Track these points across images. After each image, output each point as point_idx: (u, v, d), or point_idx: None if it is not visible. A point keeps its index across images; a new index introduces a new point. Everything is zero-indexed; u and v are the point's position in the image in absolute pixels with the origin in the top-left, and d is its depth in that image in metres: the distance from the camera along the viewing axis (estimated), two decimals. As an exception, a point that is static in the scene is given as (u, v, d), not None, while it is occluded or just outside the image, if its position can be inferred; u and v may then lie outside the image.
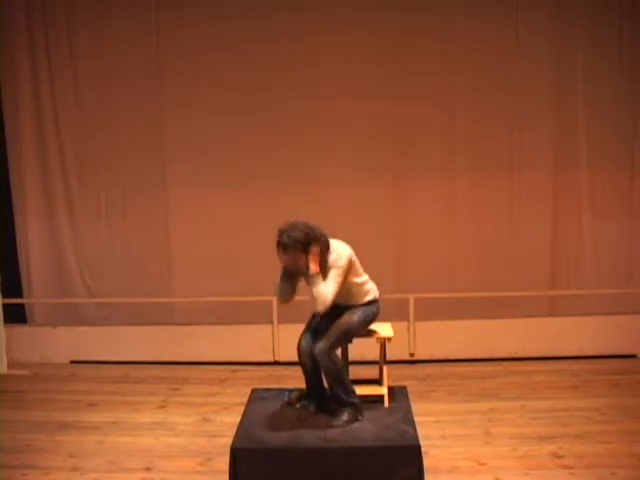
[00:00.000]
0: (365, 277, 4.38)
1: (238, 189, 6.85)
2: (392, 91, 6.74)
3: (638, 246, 6.78)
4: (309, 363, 4.34)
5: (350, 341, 4.43)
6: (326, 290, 4.09)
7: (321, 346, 4.18)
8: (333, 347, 4.21)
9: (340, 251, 4.18)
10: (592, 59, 6.61)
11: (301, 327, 4.45)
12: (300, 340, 4.37)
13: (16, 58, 6.82)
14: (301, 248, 4.08)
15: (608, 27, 6.57)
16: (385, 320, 4.61)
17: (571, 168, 6.75)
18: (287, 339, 6.22)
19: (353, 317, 4.31)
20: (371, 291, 4.38)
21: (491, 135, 6.74)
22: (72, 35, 6.80)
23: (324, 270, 4.15)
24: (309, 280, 4.15)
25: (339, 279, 4.13)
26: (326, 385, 4.38)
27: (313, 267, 4.10)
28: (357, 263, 4.29)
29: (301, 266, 4.13)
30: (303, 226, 4.12)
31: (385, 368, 4.56)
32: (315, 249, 4.10)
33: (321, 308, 4.12)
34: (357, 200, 6.75)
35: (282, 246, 4.09)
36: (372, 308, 4.38)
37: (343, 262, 4.15)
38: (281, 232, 4.11)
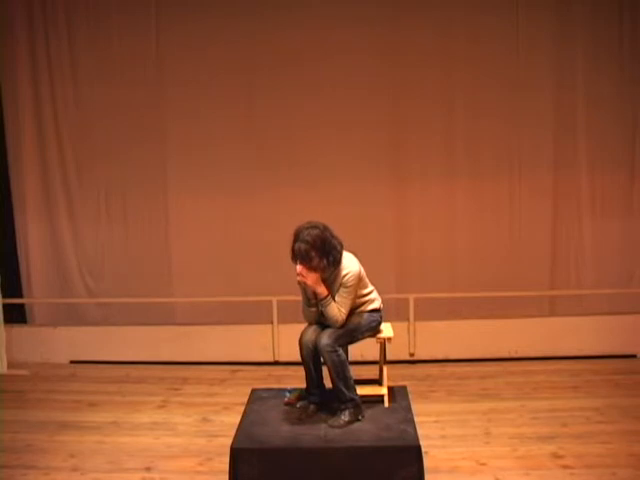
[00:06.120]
0: (371, 288, 4.46)
1: (238, 189, 6.85)
2: (392, 89, 6.75)
3: (638, 246, 6.77)
4: (310, 357, 4.36)
5: (352, 343, 4.43)
6: (338, 312, 4.23)
7: (326, 338, 4.21)
8: (337, 341, 4.24)
9: (351, 269, 4.26)
10: (592, 58, 6.60)
11: (301, 327, 4.45)
12: (302, 334, 4.39)
13: (16, 58, 6.81)
14: (312, 257, 4.16)
15: (608, 26, 6.57)
16: (385, 320, 4.61)
17: (571, 168, 6.75)
18: (287, 339, 6.25)
19: (359, 319, 4.38)
20: (375, 300, 4.46)
21: (491, 135, 6.74)
22: (72, 35, 6.80)
23: (334, 287, 4.26)
24: (320, 302, 4.27)
25: (350, 297, 4.27)
26: (326, 381, 4.39)
27: (321, 291, 4.23)
28: (364, 276, 4.38)
29: (311, 283, 4.22)
30: (316, 237, 4.16)
31: (385, 368, 4.57)
32: (316, 263, 4.17)
33: (335, 326, 4.26)
34: (357, 200, 6.74)
35: (294, 255, 4.21)
36: (375, 316, 4.45)
37: (354, 281, 4.26)
38: (296, 237, 4.20)
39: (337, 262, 4.24)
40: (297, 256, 4.18)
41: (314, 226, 4.22)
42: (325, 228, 4.24)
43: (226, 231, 6.89)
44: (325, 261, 4.18)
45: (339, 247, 4.26)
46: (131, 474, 4.47)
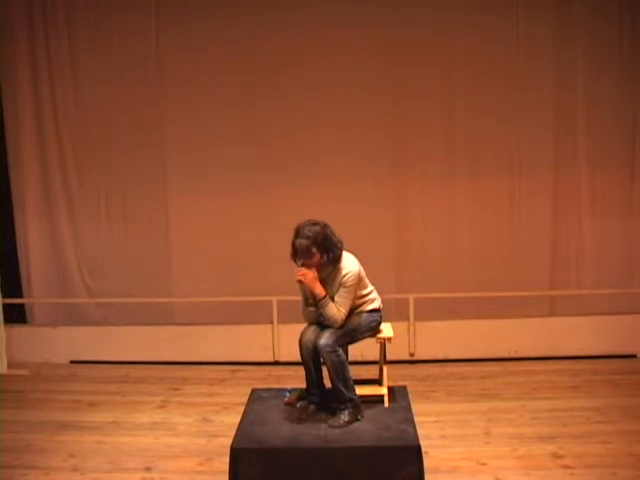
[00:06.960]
0: (370, 288, 4.46)
1: (238, 189, 6.85)
2: (392, 89, 6.75)
3: (638, 246, 6.77)
4: (310, 357, 4.36)
5: (351, 343, 4.43)
6: (337, 312, 4.23)
7: (326, 339, 4.21)
8: (337, 341, 4.24)
9: (351, 269, 4.26)
10: (592, 58, 6.61)
11: (301, 327, 4.46)
12: (302, 334, 4.40)
13: (16, 58, 6.82)
14: (313, 253, 4.18)
15: (608, 26, 6.57)
16: (385, 320, 4.61)
17: (571, 168, 6.75)
18: (287, 339, 6.25)
19: (358, 319, 4.38)
20: (375, 300, 4.46)
21: (491, 135, 6.74)
22: (72, 35, 6.80)
23: (334, 287, 4.26)
24: (318, 303, 4.27)
25: (350, 297, 4.27)
26: (326, 381, 4.39)
27: (319, 292, 4.23)
28: (364, 276, 4.38)
29: (309, 282, 4.23)
30: (317, 233, 4.18)
31: (385, 368, 4.57)
32: (317, 260, 4.19)
33: (334, 326, 4.26)
34: (357, 200, 6.74)
35: (295, 251, 4.22)
36: (375, 316, 4.46)
37: (354, 281, 4.26)
38: (297, 233, 4.21)
39: (337, 259, 4.24)
40: (298, 252, 4.19)
41: (315, 223, 4.23)
42: (326, 225, 4.26)
43: (226, 231, 6.89)
44: (326, 257, 4.20)
45: (339, 245, 4.27)
46: (131, 474, 4.47)
